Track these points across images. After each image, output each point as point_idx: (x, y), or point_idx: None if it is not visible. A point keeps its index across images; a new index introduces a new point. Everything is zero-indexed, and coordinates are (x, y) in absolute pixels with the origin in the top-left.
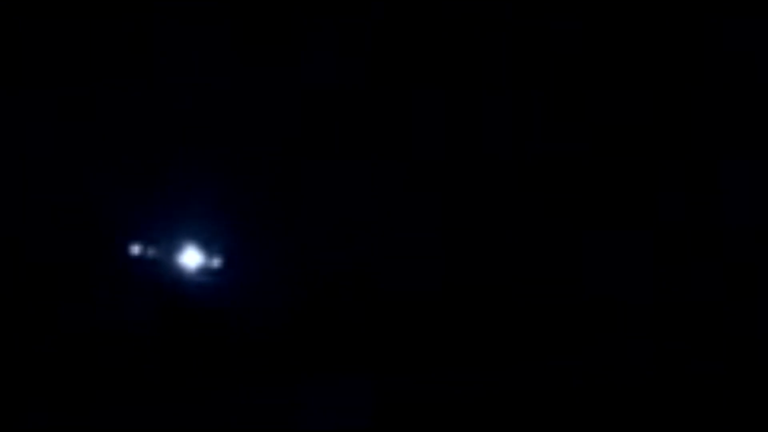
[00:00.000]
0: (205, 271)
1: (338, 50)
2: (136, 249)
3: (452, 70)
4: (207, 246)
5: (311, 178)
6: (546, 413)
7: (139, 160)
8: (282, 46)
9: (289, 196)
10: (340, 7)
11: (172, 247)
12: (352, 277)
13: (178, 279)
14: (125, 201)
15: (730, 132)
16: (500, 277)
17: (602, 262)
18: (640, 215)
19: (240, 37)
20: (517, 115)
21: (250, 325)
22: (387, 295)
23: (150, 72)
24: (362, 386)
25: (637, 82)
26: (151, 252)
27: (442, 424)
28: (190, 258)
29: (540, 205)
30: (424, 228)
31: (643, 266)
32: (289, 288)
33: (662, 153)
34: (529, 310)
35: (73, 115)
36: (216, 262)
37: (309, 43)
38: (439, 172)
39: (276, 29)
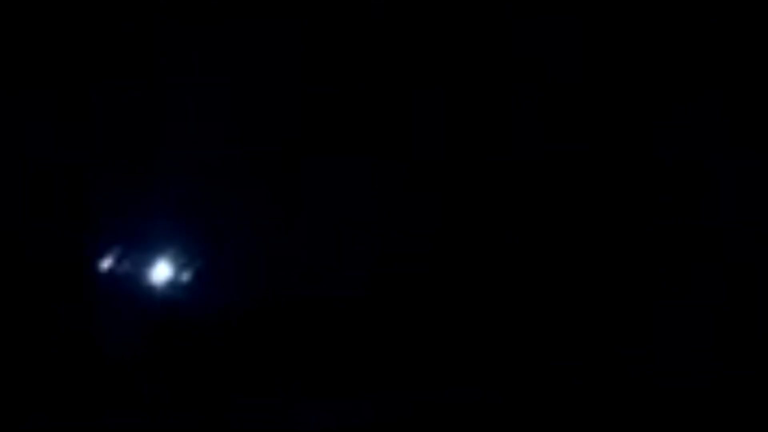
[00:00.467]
0: (176, 284)
1: (337, 49)
2: (106, 263)
3: (452, 70)
4: (177, 259)
5: (294, 185)
6: (546, 413)
7: (109, 171)
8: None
9: (268, 204)
10: (340, 6)
11: (143, 260)
12: (340, 283)
13: (151, 292)
14: (93, 213)
15: (731, 132)
16: (500, 276)
17: (602, 263)
18: (639, 215)
19: (224, 35)
20: (517, 115)
21: (225, 337)
22: (379, 298)
23: (144, 74)
24: (355, 391)
25: (637, 82)
26: (123, 265)
27: (442, 425)
28: (161, 271)
29: (540, 205)
30: (421, 229)
31: (642, 267)
32: (266, 300)
33: (662, 153)
34: (529, 310)
35: (45, 120)
36: (187, 276)
37: (306, 44)
38: (439, 172)
39: (275, 28)
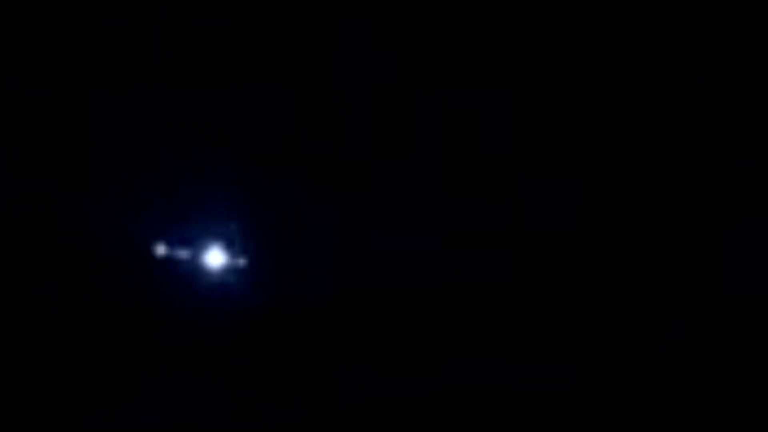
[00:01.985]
0: (230, 270)
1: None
2: (161, 250)
3: (452, 70)
4: (232, 246)
5: (330, 179)
6: (545, 412)
7: (160, 161)
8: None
9: (312, 195)
10: (342, 7)
11: (197, 247)
12: (373, 276)
13: (203, 279)
14: (149, 203)
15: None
16: (500, 277)
17: (603, 264)
18: (638, 217)
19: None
20: (517, 115)
21: (276, 324)
22: (406, 295)
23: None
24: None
25: (638, 82)
26: (177, 253)
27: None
28: (215, 258)
29: (540, 206)
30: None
31: (642, 268)
32: (314, 286)
33: (662, 155)
34: (528, 310)
35: (93, 115)
36: (241, 262)
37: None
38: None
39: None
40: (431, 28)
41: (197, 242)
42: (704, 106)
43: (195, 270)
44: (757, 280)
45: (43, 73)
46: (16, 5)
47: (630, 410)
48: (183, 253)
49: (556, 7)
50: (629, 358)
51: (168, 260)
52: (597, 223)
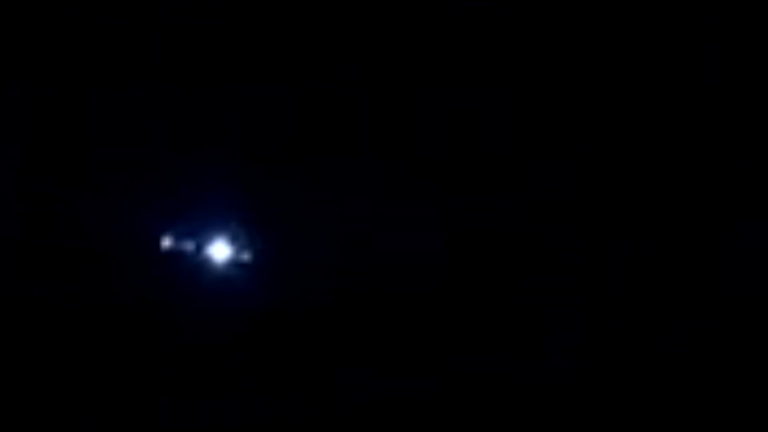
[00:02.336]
0: (234, 264)
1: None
2: (166, 243)
3: (452, 70)
4: (236, 239)
5: (334, 175)
6: (545, 412)
7: (162, 160)
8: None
9: (313, 190)
10: (342, 7)
11: (202, 240)
12: (373, 274)
13: (207, 272)
14: (150, 201)
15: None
16: (500, 277)
17: (603, 264)
18: (638, 217)
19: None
20: (517, 115)
21: (280, 320)
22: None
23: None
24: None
25: (638, 82)
26: (181, 246)
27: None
28: (219, 251)
29: (540, 206)
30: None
31: (642, 268)
32: (318, 281)
33: (662, 155)
34: (528, 310)
35: (93, 115)
36: (245, 256)
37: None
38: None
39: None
40: (432, 28)
41: (201, 236)
42: (704, 106)
43: (199, 264)
44: (757, 280)
45: (43, 73)
46: (16, 5)
47: (630, 410)
48: (187, 246)
49: (556, 7)
50: (629, 358)
51: (171, 254)
52: (597, 223)
